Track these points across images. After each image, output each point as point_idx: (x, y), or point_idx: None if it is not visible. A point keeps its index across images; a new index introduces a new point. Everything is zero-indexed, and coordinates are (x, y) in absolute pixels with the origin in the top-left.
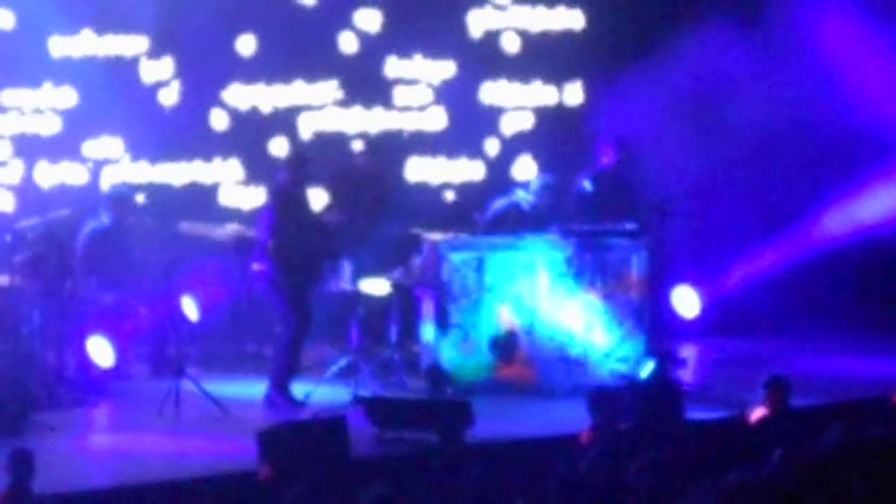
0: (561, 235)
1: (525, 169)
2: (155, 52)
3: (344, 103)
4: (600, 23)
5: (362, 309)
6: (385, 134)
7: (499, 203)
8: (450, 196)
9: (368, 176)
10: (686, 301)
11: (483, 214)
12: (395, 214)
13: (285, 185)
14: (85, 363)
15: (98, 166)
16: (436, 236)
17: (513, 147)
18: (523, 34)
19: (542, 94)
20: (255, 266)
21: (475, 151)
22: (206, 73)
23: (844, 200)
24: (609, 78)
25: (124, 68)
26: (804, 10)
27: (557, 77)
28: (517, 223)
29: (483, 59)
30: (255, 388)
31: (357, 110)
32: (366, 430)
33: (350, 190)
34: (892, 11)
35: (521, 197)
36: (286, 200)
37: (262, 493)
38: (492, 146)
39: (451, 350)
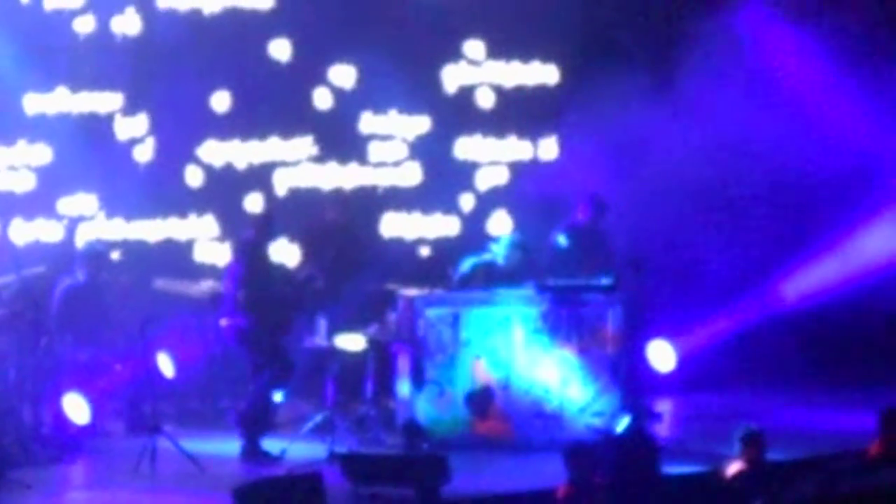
0: (536, 291)
1: (500, 224)
2: (129, 109)
3: (319, 159)
4: (575, 78)
5: (338, 365)
6: (360, 189)
7: (471, 260)
8: (425, 251)
9: (339, 231)
10: (662, 356)
11: (456, 269)
12: (371, 270)
13: (253, 240)
14: (61, 420)
15: (73, 223)
16: (411, 292)
17: (488, 202)
18: (498, 89)
19: (516, 148)
20: (224, 321)
21: (450, 207)
22: (181, 130)
23: (819, 257)
24: (584, 133)
25: (99, 125)
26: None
27: (532, 132)
28: (491, 278)
29: (458, 114)
30: (230, 445)
31: (332, 166)
32: (342, 486)
33: (321, 245)
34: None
35: (496, 252)
36: (254, 255)
37: None
38: (467, 201)
39: (426, 405)
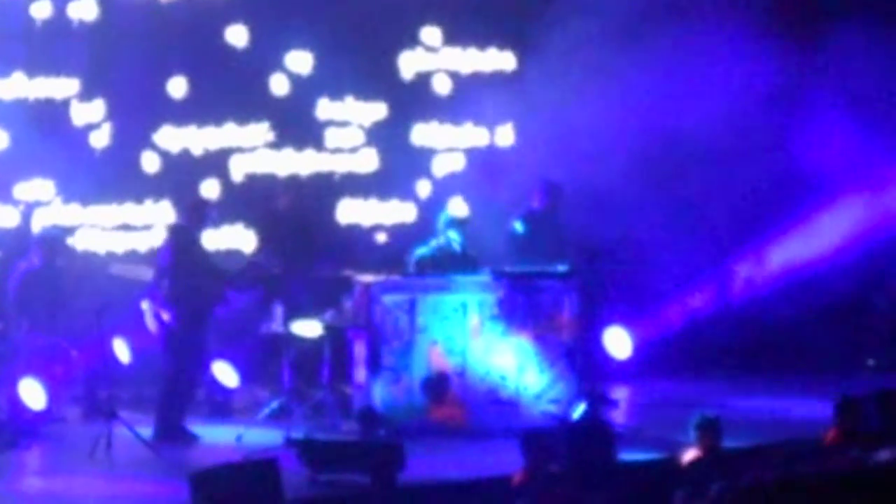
0: (492, 277)
1: (457, 210)
2: (86, 95)
3: (275, 145)
4: (531, 64)
5: (294, 351)
6: (316, 176)
7: (421, 250)
8: (381, 238)
9: (292, 217)
10: (618, 342)
11: (411, 255)
12: (327, 256)
13: (183, 227)
14: (17, 406)
15: (29, 208)
16: (367, 278)
17: (444, 188)
18: (454, 76)
19: (473, 135)
20: (145, 304)
21: (407, 193)
22: (138, 116)
23: (776, 242)
24: (540, 120)
25: (55, 111)
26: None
27: (488, 119)
28: (447, 264)
29: (414, 100)
30: None
31: (288, 152)
32: (298, 472)
33: (275, 232)
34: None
35: (452, 238)
36: (182, 244)
37: None
38: (423, 188)
39: (383, 392)
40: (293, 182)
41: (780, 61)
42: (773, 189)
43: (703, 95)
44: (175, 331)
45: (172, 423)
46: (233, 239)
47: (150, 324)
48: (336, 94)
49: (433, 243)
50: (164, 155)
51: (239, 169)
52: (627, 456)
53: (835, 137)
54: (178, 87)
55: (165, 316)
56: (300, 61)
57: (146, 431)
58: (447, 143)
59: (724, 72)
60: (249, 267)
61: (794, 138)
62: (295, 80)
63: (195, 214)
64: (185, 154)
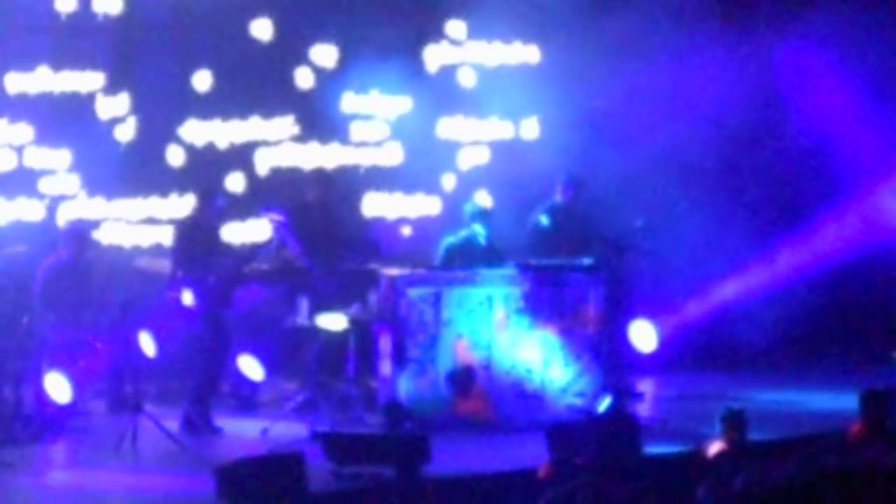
0: (518, 270)
1: (481, 202)
2: (111, 89)
3: (300, 139)
4: (556, 57)
5: (320, 344)
6: (341, 169)
7: (449, 239)
8: (406, 231)
9: (320, 210)
10: (643, 335)
11: (440, 244)
12: (352, 250)
13: (189, 217)
14: (42, 399)
15: (54, 202)
16: (393, 271)
17: (469, 182)
18: (479, 69)
19: (498, 128)
20: (171, 293)
21: (432, 186)
22: (163, 110)
23: (801, 237)
24: (564, 112)
25: (80, 105)
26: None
27: (513, 112)
28: (472, 257)
29: (439, 94)
30: None
31: (313, 146)
32: (323, 465)
33: (302, 225)
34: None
35: (477, 231)
36: (187, 233)
37: None
38: (448, 181)
39: (408, 385)
40: (322, 174)
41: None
42: (807, 178)
43: (732, 81)
44: (204, 310)
45: (201, 415)
46: (257, 232)
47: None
48: (361, 87)
49: (462, 233)
50: (189, 148)
51: (264, 162)
52: (653, 449)
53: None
54: (203, 80)
55: (187, 298)
56: (325, 55)
57: (172, 425)
58: (472, 137)
59: (752, 56)
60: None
61: (831, 121)
62: (320, 73)
63: (202, 202)
64: (210, 148)
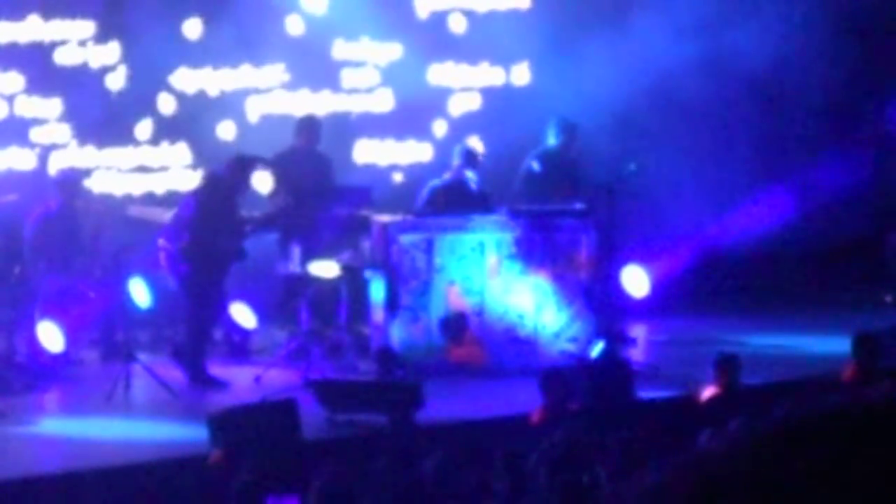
0: (509, 216)
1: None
2: (101, 37)
3: (291, 86)
4: (546, 2)
5: (312, 292)
6: (332, 116)
7: (433, 182)
8: (398, 178)
9: (308, 156)
10: (635, 280)
11: (425, 188)
12: (343, 196)
13: (218, 177)
14: (35, 348)
15: (45, 151)
16: (384, 218)
17: (460, 128)
18: (470, 15)
19: (489, 74)
20: (161, 242)
21: (423, 133)
22: (153, 58)
23: (793, 178)
24: (556, 58)
25: (71, 53)
26: None
27: (504, 58)
28: (462, 202)
29: (430, 40)
30: None
31: (304, 93)
32: (316, 412)
33: (291, 172)
34: None
35: (469, 177)
36: (213, 194)
37: (213, 476)
38: (440, 127)
39: (400, 332)
40: (309, 120)
41: None
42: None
43: (728, 25)
44: (193, 280)
45: (203, 368)
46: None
47: (163, 263)
48: (351, 34)
49: (446, 176)
50: (180, 96)
51: (255, 110)
52: (646, 394)
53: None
54: (193, 28)
55: (181, 267)
56: (315, 2)
57: (164, 373)
58: (463, 83)
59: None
60: (277, 214)
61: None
62: (310, 20)
63: (240, 173)
64: (201, 95)
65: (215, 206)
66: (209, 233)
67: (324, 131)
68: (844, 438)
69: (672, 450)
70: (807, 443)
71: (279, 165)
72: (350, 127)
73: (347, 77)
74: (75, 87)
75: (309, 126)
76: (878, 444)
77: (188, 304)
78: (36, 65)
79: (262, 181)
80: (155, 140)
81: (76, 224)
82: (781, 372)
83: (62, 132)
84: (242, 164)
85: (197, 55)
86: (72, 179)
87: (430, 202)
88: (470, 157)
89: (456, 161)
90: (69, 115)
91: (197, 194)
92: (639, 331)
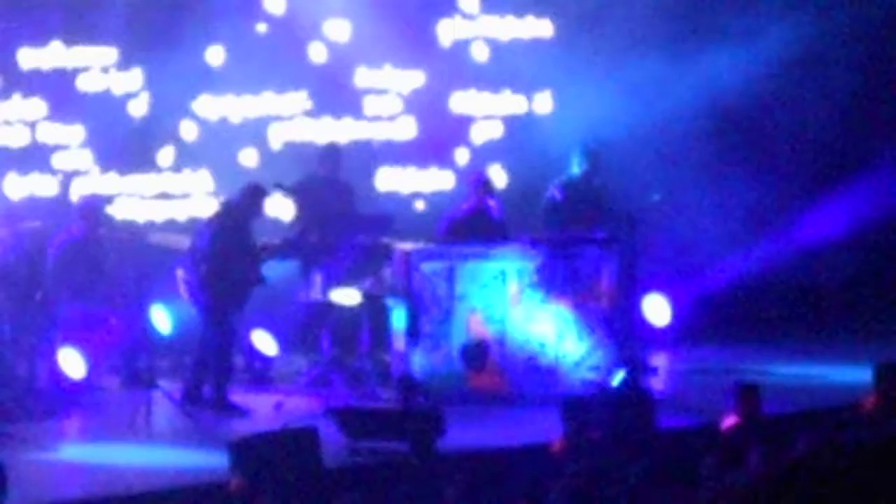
0: (531, 244)
1: (495, 178)
2: (124, 64)
3: (313, 113)
4: (569, 31)
5: (333, 319)
6: (355, 144)
7: (459, 208)
8: (420, 205)
9: (330, 183)
10: (657, 309)
11: (451, 214)
12: (365, 224)
13: (231, 208)
14: (56, 374)
15: (68, 178)
16: (406, 246)
17: (483, 156)
18: (492, 43)
19: (511, 103)
20: (180, 273)
21: (445, 161)
22: (176, 85)
23: (813, 209)
24: (578, 86)
25: (94, 80)
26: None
27: (527, 86)
28: (482, 230)
29: (452, 68)
30: None
31: (327, 120)
32: (337, 440)
33: (313, 200)
34: None
35: (491, 205)
36: (226, 224)
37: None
38: (462, 155)
39: (422, 360)
40: (331, 148)
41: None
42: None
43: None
44: (213, 308)
45: (225, 395)
46: (271, 207)
47: (184, 293)
48: (374, 61)
49: (464, 205)
50: (203, 123)
51: (277, 137)
52: (666, 423)
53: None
54: (216, 55)
55: (202, 297)
56: (338, 29)
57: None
58: (485, 111)
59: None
60: (296, 240)
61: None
62: (333, 48)
63: (252, 200)
64: (224, 123)
65: (229, 235)
66: (226, 261)
67: (346, 159)
68: (866, 470)
69: (692, 479)
70: (829, 475)
71: (301, 193)
72: (372, 154)
73: (370, 104)
74: (98, 114)
75: (331, 154)
76: None
77: (210, 332)
78: (59, 91)
79: (284, 208)
80: (177, 167)
81: (98, 251)
82: (803, 401)
83: (84, 159)
84: (255, 192)
85: (219, 82)
86: (94, 206)
87: (452, 231)
88: (489, 186)
89: (470, 189)
90: (91, 142)
91: (210, 224)
92: (660, 360)
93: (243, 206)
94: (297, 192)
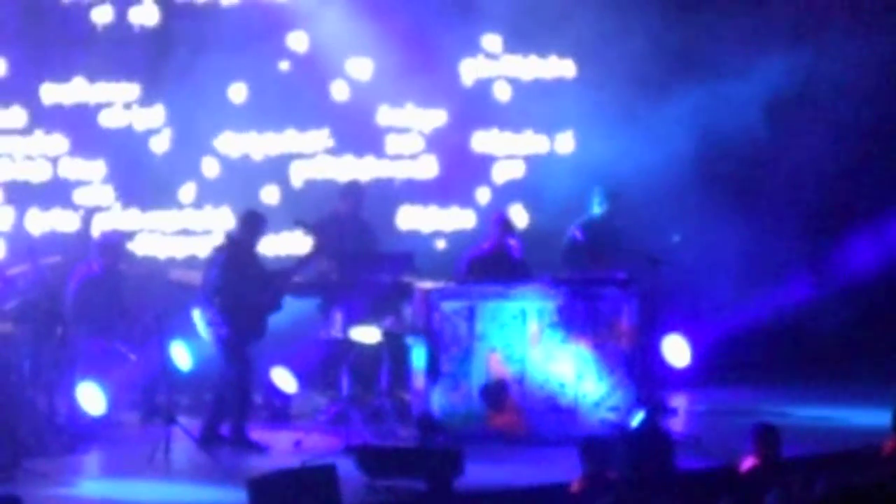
0: (551, 284)
1: (517, 218)
2: (146, 100)
3: (335, 151)
4: (591, 72)
5: (353, 357)
6: (376, 182)
7: (479, 247)
8: (441, 244)
9: (351, 221)
10: (677, 350)
11: (472, 254)
12: (386, 262)
13: (233, 241)
14: (75, 410)
15: (89, 213)
16: (427, 285)
17: (504, 195)
18: (515, 83)
19: (533, 142)
20: (197, 314)
21: (466, 200)
22: (198, 121)
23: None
24: (600, 127)
25: (116, 116)
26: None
27: (548, 126)
28: (503, 270)
29: (475, 107)
30: None
31: (348, 159)
32: (356, 478)
33: (334, 237)
34: None
35: (512, 245)
36: (232, 256)
37: None
38: (483, 195)
39: (441, 398)
40: (353, 186)
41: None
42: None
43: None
44: (233, 341)
45: (245, 431)
46: (292, 244)
47: (204, 333)
48: (396, 100)
49: (485, 245)
50: (224, 161)
51: (299, 175)
52: (685, 464)
53: None
54: (238, 92)
55: (222, 330)
56: (361, 67)
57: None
58: (507, 150)
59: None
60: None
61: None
62: (355, 86)
63: (251, 227)
64: (245, 160)
65: (236, 264)
66: (237, 290)
67: (367, 197)
68: None
69: None
70: None
71: (322, 230)
72: (394, 193)
73: (392, 143)
74: (120, 150)
75: (353, 192)
76: None
77: (229, 368)
78: (81, 127)
79: (305, 245)
80: (198, 203)
81: (118, 286)
82: (822, 444)
83: (106, 194)
84: (252, 219)
85: (241, 119)
86: (114, 242)
87: (473, 270)
88: (510, 225)
89: (492, 229)
90: (113, 178)
91: (215, 259)
92: (679, 401)
93: (244, 234)
94: (318, 229)
